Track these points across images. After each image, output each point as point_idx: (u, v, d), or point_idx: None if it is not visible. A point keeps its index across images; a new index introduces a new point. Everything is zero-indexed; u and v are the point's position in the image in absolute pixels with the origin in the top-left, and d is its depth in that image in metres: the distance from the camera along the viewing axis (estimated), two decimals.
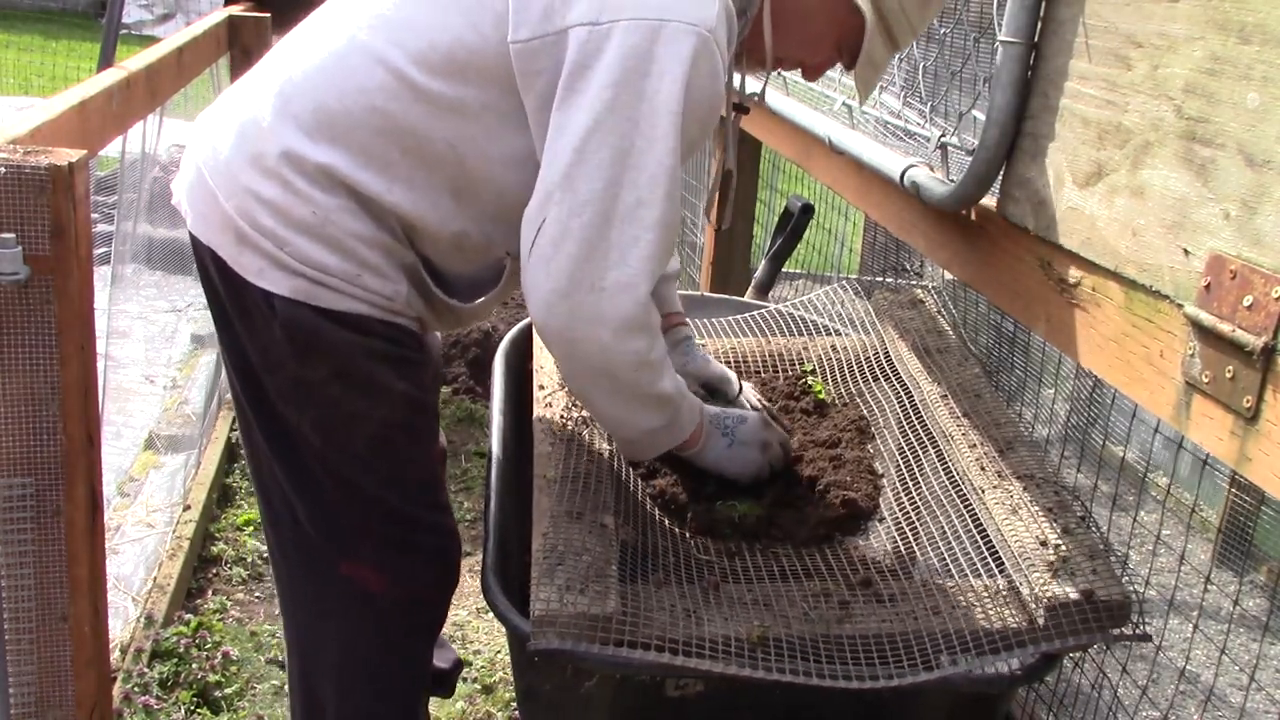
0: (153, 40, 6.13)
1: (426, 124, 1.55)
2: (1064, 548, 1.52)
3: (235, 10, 3.38)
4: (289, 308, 1.59)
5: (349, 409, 1.65)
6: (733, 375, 2.11)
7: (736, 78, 1.76)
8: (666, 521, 1.76)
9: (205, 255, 1.66)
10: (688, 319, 2.12)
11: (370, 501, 1.70)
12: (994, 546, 1.60)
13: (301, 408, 1.66)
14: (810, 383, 2.19)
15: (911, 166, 1.76)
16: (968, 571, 1.60)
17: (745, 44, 1.66)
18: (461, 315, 1.76)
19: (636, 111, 1.46)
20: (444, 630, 2.78)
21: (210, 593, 3.03)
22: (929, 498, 1.78)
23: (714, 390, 2.07)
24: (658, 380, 1.62)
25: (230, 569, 3.15)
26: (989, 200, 1.61)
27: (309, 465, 1.70)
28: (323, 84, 1.57)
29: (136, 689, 2.51)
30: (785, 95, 2.63)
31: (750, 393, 2.11)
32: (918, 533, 1.75)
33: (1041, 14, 1.46)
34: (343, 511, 1.71)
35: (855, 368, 2.20)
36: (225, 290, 1.65)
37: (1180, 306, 1.19)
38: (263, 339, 1.64)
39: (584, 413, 1.92)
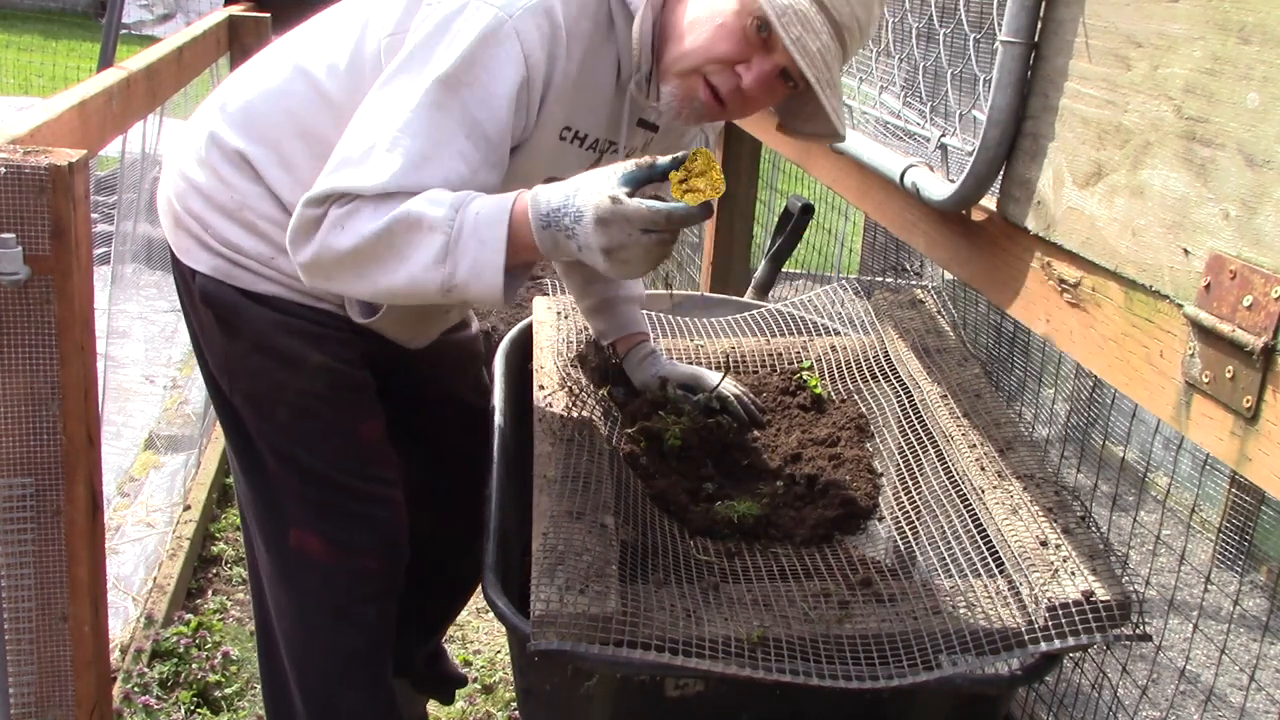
0: (153, 40, 6.13)
1: (332, 131, 1.61)
2: (1064, 548, 1.51)
3: (235, 10, 3.38)
4: (210, 285, 1.72)
5: (271, 379, 1.74)
6: (704, 371, 2.13)
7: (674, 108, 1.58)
8: (666, 521, 1.76)
9: (166, 241, 1.82)
10: (649, 334, 2.17)
11: (305, 472, 1.79)
12: (994, 546, 1.60)
13: (233, 380, 1.78)
14: (805, 378, 2.19)
15: (911, 166, 1.76)
16: (968, 571, 1.60)
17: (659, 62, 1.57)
18: (383, 326, 1.75)
19: (420, 73, 1.47)
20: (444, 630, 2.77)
21: (210, 593, 3.03)
22: (929, 497, 1.78)
23: (691, 387, 2.10)
24: (370, 221, 1.44)
25: (230, 569, 3.15)
26: (989, 200, 1.61)
27: (251, 439, 1.81)
28: (252, 88, 1.70)
29: (136, 689, 2.51)
30: None
31: (730, 384, 2.12)
32: (918, 533, 1.75)
33: (1041, 14, 1.46)
34: (282, 482, 1.80)
35: (855, 367, 2.20)
36: (176, 274, 1.80)
37: (1180, 306, 1.19)
38: (200, 317, 1.77)
39: (584, 413, 1.92)
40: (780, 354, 2.28)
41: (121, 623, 2.72)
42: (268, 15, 3.34)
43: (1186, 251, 1.18)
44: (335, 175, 1.47)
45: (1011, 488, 1.66)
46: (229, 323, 1.73)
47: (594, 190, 1.41)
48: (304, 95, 1.65)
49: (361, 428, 1.82)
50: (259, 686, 2.66)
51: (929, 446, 1.88)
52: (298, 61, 1.68)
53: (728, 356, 2.28)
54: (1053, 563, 1.48)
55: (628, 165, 1.43)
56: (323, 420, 1.78)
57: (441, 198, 1.44)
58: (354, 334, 1.75)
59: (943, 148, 1.78)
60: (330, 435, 1.79)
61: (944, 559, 1.67)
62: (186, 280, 1.77)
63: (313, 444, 1.78)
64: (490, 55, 1.46)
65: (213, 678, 2.64)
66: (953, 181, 1.63)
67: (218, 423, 3.72)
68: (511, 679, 2.65)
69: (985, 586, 1.55)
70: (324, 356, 1.74)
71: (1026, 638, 1.44)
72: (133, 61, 2.19)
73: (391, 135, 1.45)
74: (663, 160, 1.43)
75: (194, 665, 2.67)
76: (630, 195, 1.40)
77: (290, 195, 1.65)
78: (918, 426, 1.93)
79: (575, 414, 1.90)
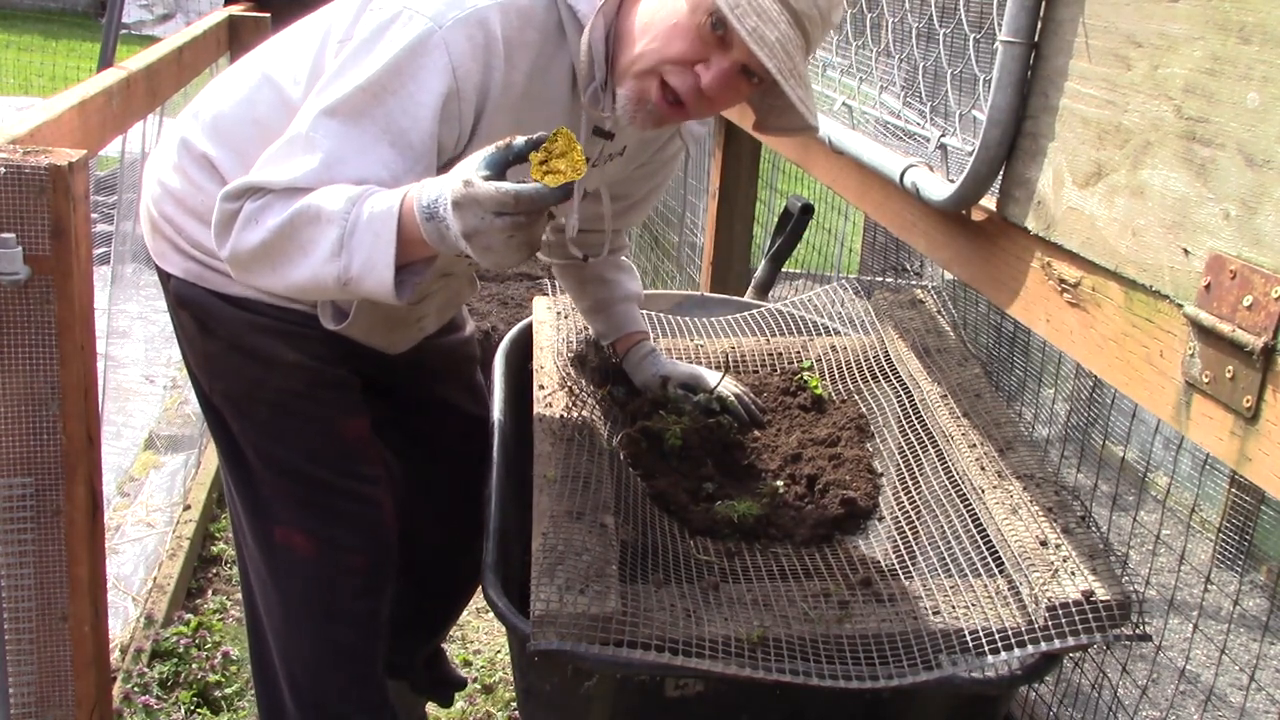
0: (153, 40, 6.13)
1: None
2: (1064, 548, 1.52)
3: (235, 10, 3.37)
4: (183, 287, 1.75)
5: (248, 377, 1.76)
6: (703, 370, 2.13)
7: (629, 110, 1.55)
8: (666, 521, 1.76)
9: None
10: (648, 333, 2.17)
11: (287, 469, 1.80)
12: (994, 546, 1.60)
13: (212, 380, 1.80)
14: (806, 378, 2.19)
15: (911, 166, 1.76)
16: (968, 571, 1.60)
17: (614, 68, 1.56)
18: (354, 333, 1.75)
19: (348, 78, 1.48)
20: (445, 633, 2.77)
21: (210, 593, 3.03)
22: (929, 497, 1.78)
23: (691, 387, 2.09)
24: (276, 215, 1.45)
25: (230, 569, 3.14)
26: (989, 200, 1.61)
27: (234, 437, 1.82)
28: (224, 96, 1.72)
29: (136, 689, 2.51)
30: None
31: (730, 384, 2.12)
32: (918, 533, 1.75)
33: (1041, 14, 1.46)
34: (265, 480, 1.81)
35: (855, 367, 2.20)
36: (159, 278, 1.82)
37: (1180, 306, 1.18)
38: (179, 319, 1.80)
39: (584, 413, 1.92)
40: (780, 354, 2.28)
41: (121, 623, 2.72)
42: (268, 15, 3.33)
43: (1186, 251, 1.18)
44: (253, 171, 1.49)
45: (1011, 487, 1.66)
46: (204, 324, 1.75)
47: (455, 175, 1.37)
48: (270, 104, 1.67)
49: (344, 425, 1.83)
50: None
51: (929, 446, 1.88)
52: (266, 71, 1.70)
53: (728, 356, 2.28)
54: (1053, 563, 1.48)
55: (489, 149, 1.39)
56: (302, 418, 1.79)
57: (341, 191, 1.43)
58: (330, 333, 1.75)
59: (943, 148, 1.78)
60: (311, 433, 1.80)
61: (944, 559, 1.67)
62: (164, 283, 1.80)
63: (293, 441, 1.79)
64: (417, 65, 1.46)
65: (213, 678, 2.64)
66: (953, 181, 1.62)
67: None
68: (511, 679, 2.65)
69: (985, 586, 1.55)
70: (299, 355, 1.75)
71: (1026, 638, 1.44)
72: (133, 61, 2.19)
73: (310, 136, 1.47)
74: (519, 140, 1.38)
75: (194, 665, 2.67)
76: (489, 179, 1.34)
77: None
78: (918, 426, 1.93)
79: (575, 414, 1.90)
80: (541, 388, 1.99)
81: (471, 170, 1.35)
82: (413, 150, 1.48)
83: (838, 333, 2.36)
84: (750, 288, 3.01)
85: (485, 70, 1.50)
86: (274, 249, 1.46)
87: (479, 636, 2.98)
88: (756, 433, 2.08)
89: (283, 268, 1.48)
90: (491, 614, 2.30)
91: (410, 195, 1.41)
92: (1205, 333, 1.14)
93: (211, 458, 3.55)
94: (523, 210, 1.34)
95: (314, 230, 1.42)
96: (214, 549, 3.23)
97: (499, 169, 1.36)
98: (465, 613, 3.05)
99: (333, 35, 1.63)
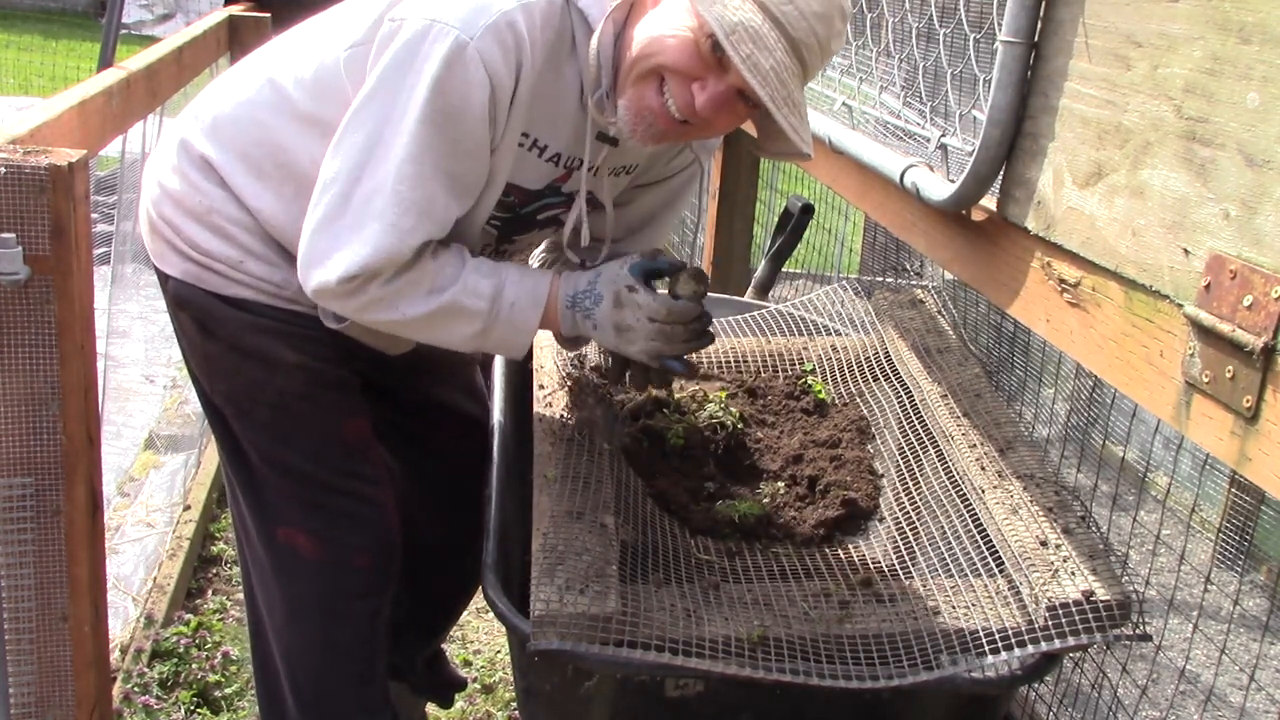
0: (153, 40, 6.13)
1: (296, 140, 1.64)
2: (1064, 548, 1.52)
3: (235, 10, 3.38)
4: (181, 289, 1.74)
5: (249, 378, 1.76)
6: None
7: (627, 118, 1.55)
8: (666, 521, 1.76)
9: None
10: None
11: (289, 470, 1.80)
12: (994, 546, 1.60)
13: (213, 381, 1.80)
14: (810, 383, 2.19)
15: (911, 166, 1.76)
16: (968, 571, 1.60)
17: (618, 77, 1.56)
18: (355, 333, 1.76)
19: (393, 103, 1.49)
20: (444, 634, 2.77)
21: (210, 593, 3.03)
22: (929, 498, 1.78)
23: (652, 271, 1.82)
24: (413, 306, 1.57)
25: (230, 569, 3.15)
26: (989, 200, 1.61)
27: (236, 438, 1.82)
28: (225, 97, 1.72)
29: (136, 689, 2.51)
30: None
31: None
32: (918, 533, 1.75)
33: (1041, 14, 1.46)
34: (266, 479, 1.82)
35: (855, 368, 2.20)
36: (158, 279, 1.82)
37: (1180, 306, 1.19)
38: (178, 320, 1.80)
39: (584, 413, 1.92)
40: (781, 355, 2.28)
41: (121, 623, 2.72)
42: (268, 15, 3.33)
43: (1186, 251, 1.18)
44: (355, 250, 1.50)
45: (1011, 487, 1.66)
46: (204, 325, 1.75)
47: (612, 279, 1.64)
48: (272, 105, 1.66)
49: (345, 425, 1.83)
50: None
51: (929, 447, 1.88)
52: (268, 72, 1.69)
53: (728, 356, 2.27)
54: (1053, 563, 1.48)
55: (636, 258, 1.65)
56: (304, 418, 1.79)
57: (480, 288, 1.60)
58: (331, 334, 1.75)
59: (943, 148, 1.78)
60: (312, 433, 1.80)
61: (944, 559, 1.67)
62: (163, 285, 1.80)
63: (295, 442, 1.79)
64: (458, 80, 1.47)
65: (213, 678, 2.64)
66: (953, 181, 1.63)
67: None
68: (511, 679, 2.65)
69: (985, 586, 1.55)
70: (301, 355, 1.75)
71: (1026, 638, 1.44)
72: (133, 61, 2.19)
73: (394, 195, 1.50)
74: (664, 260, 1.67)
75: (194, 665, 2.67)
76: (641, 285, 1.62)
77: (256, 201, 1.68)
78: (918, 427, 1.93)
79: (575, 414, 1.90)
80: (541, 387, 1.99)
81: (628, 277, 1.63)
82: (472, 158, 1.55)
83: (838, 333, 2.36)
84: (750, 288, 3.01)
85: (516, 71, 1.51)
86: (404, 327, 1.62)
87: (479, 636, 2.98)
88: (759, 434, 2.08)
89: (408, 334, 1.67)
90: (491, 614, 2.29)
91: (557, 283, 1.65)
92: (1205, 333, 1.14)
93: (211, 458, 3.55)
94: (670, 320, 1.62)
95: (455, 321, 1.61)
96: (214, 549, 3.23)
97: (644, 278, 1.64)
98: (465, 613, 3.05)
99: (341, 38, 1.62)
